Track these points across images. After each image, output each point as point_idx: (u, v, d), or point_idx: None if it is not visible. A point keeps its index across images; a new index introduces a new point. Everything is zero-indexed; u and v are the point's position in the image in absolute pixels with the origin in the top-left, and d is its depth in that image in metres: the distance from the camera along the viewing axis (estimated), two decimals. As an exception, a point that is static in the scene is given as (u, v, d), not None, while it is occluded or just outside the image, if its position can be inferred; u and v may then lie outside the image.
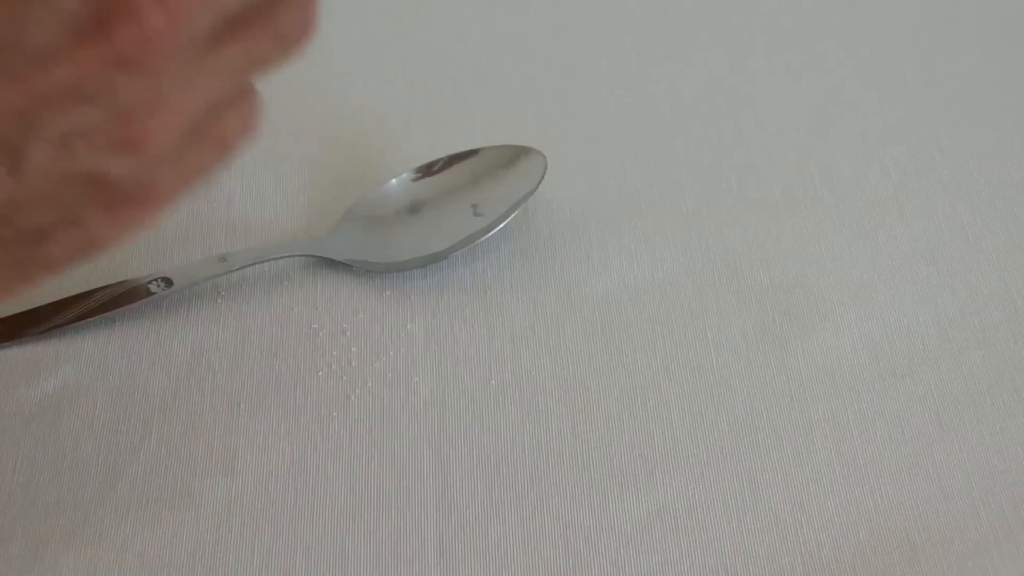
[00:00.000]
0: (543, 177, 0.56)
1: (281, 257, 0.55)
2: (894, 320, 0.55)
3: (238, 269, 0.54)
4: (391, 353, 0.53)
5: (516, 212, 0.55)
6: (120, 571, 0.47)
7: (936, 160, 0.61)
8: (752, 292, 0.56)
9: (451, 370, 0.53)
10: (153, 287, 0.53)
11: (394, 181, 0.57)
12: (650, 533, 0.49)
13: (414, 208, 0.56)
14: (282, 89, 0.60)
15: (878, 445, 0.51)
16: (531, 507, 0.50)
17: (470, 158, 0.57)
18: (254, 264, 0.54)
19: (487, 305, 0.55)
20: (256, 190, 0.58)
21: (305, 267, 0.56)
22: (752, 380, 0.53)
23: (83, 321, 0.53)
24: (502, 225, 0.55)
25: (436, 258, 0.55)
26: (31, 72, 0.29)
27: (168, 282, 0.53)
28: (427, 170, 0.57)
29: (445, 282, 0.56)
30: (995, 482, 0.50)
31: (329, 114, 0.61)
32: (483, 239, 0.55)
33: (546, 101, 0.62)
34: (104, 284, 0.54)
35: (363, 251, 0.55)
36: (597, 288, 0.56)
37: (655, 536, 0.49)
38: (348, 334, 0.54)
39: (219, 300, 0.55)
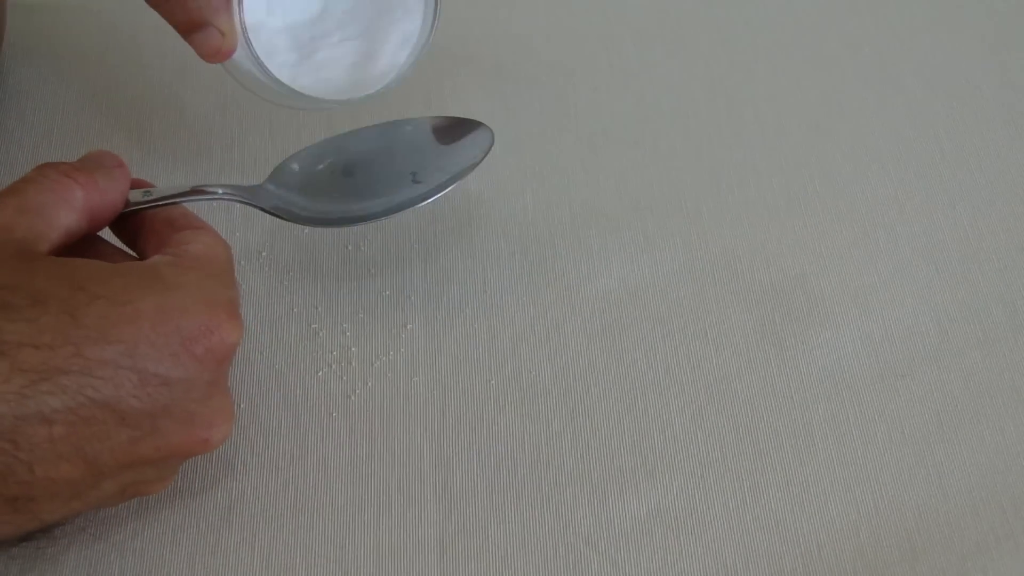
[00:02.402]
0: (489, 150, 0.54)
1: (206, 199, 0.52)
2: (894, 320, 0.55)
3: (162, 204, 0.50)
4: (391, 353, 0.54)
5: (456, 183, 0.53)
6: (120, 571, 0.48)
7: (936, 160, 0.61)
8: (752, 292, 0.56)
9: (451, 370, 0.53)
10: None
11: (331, 138, 0.55)
12: (650, 533, 0.49)
13: (348, 168, 0.54)
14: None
15: (878, 445, 0.51)
16: (531, 507, 0.50)
17: (412, 125, 0.56)
18: (177, 201, 0.50)
19: (487, 305, 0.55)
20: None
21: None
22: (752, 380, 0.53)
23: None
24: (440, 195, 0.53)
25: (366, 219, 0.53)
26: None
27: None
28: (366, 131, 0.55)
29: (445, 282, 0.56)
30: (995, 482, 0.51)
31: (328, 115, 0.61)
32: (419, 207, 0.53)
33: (546, 101, 0.62)
34: None
35: (291, 203, 0.53)
36: (597, 288, 0.56)
37: (655, 536, 0.49)
38: (348, 334, 0.54)
39: (219, 300, 0.55)
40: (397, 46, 0.53)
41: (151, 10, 0.51)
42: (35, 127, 0.60)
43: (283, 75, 0.51)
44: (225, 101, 0.61)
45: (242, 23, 0.50)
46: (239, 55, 0.51)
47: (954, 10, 0.67)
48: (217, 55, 0.50)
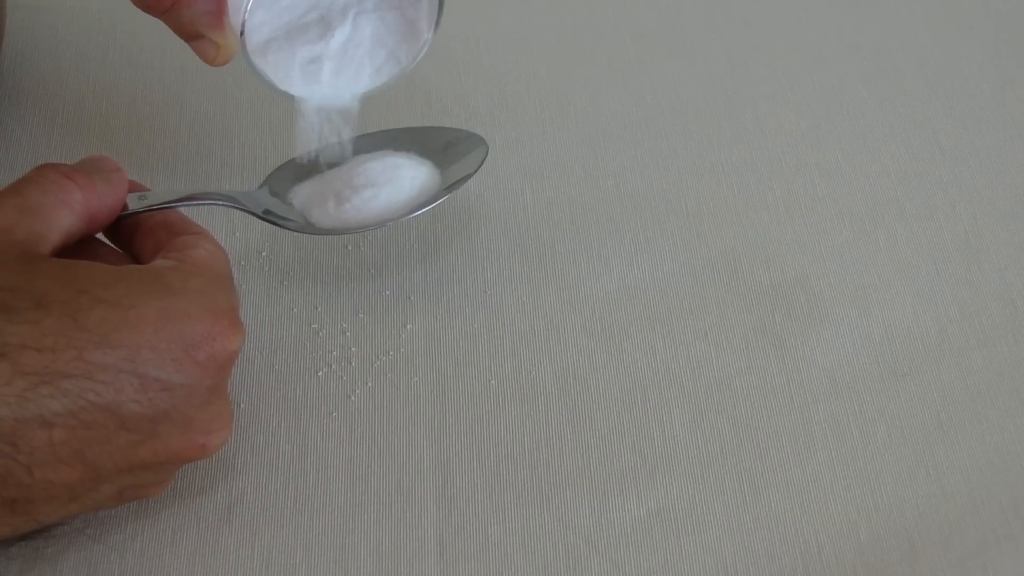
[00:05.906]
0: (483, 161, 0.54)
1: (201, 204, 0.51)
2: (894, 320, 0.55)
3: (157, 208, 0.49)
4: (391, 353, 0.53)
5: (449, 194, 0.53)
6: (120, 571, 0.48)
7: (936, 160, 0.61)
8: (752, 292, 0.56)
9: (451, 370, 0.53)
10: None
11: (327, 144, 0.55)
12: (650, 533, 0.49)
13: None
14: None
15: (878, 445, 0.51)
16: (531, 507, 0.50)
17: (406, 134, 0.56)
18: (172, 206, 0.50)
19: (487, 305, 0.55)
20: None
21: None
22: (752, 380, 0.53)
23: None
24: (432, 206, 0.53)
25: (358, 228, 0.53)
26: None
27: None
28: (361, 138, 0.55)
29: (445, 282, 0.56)
30: (995, 482, 0.51)
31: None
32: (412, 216, 0.53)
33: (546, 101, 0.62)
34: None
35: (286, 209, 0.53)
36: (597, 288, 0.56)
37: (655, 536, 0.49)
38: (348, 334, 0.54)
39: (219, 300, 0.55)
40: (397, 43, 0.53)
41: (151, 11, 0.51)
42: (35, 127, 0.60)
43: (288, 85, 0.51)
44: (225, 101, 0.61)
45: (243, 38, 0.49)
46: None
47: (954, 10, 0.67)
48: (214, 64, 0.50)
